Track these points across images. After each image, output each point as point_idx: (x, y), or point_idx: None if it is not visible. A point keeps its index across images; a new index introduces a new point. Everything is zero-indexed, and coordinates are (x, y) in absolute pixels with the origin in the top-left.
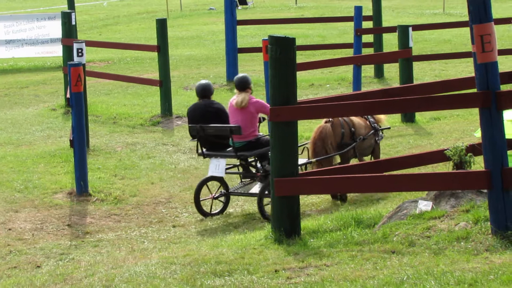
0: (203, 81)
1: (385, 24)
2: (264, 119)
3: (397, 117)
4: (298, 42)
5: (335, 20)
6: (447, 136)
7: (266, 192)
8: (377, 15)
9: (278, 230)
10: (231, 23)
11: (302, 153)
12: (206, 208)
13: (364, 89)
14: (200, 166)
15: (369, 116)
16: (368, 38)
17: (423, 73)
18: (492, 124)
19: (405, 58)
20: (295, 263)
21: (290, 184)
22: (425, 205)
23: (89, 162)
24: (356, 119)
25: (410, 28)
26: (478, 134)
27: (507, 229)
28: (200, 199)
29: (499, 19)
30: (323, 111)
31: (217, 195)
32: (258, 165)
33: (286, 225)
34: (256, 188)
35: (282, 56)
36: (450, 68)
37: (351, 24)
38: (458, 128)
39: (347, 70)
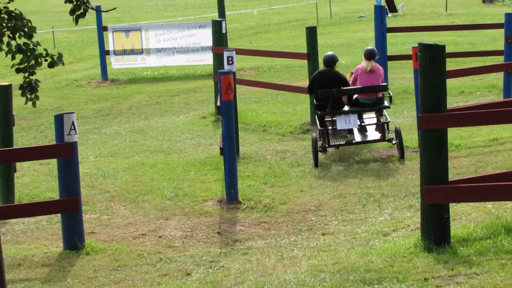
0: (330, 53)
1: None
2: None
3: None
4: (448, 50)
5: (485, 27)
6: None
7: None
8: None
9: (427, 238)
10: (381, 31)
11: None
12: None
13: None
14: (350, 174)
15: None
16: None
17: None
18: None
19: None
20: (445, 271)
21: (440, 192)
22: None
23: (239, 170)
24: None
25: None
26: None
27: None
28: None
29: None
30: (473, 119)
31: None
32: (374, 120)
33: (436, 233)
34: (358, 135)
35: (431, 64)
36: None
37: (501, 31)
38: None
39: (498, 78)
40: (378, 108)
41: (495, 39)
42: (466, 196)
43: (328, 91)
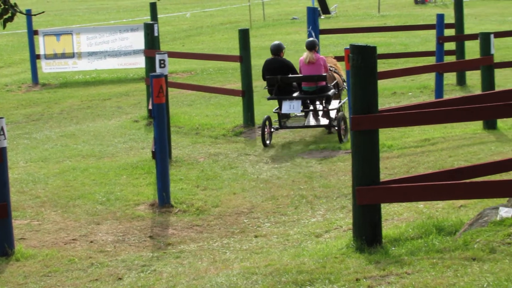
0: (276, 42)
1: (467, 31)
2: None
3: (478, 124)
4: (381, 51)
5: (417, 28)
6: None
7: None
8: (459, 23)
9: (359, 239)
10: (314, 32)
11: None
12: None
13: (446, 96)
14: (283, 176)
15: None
16: (450, 45)
17: (506, 80)
18: None
19: (487, 65)
20: (376, 271)
21: (372, 193)
22: (506, 212)
23: (171, 173)
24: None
25: (492, 35)
26: None
27: None
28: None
29: None
30: (404, 120)
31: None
32: (320, 106)
33: (368, 233)
34: (312, 120)
35: (363, 65)
36: None
37: (433, 32)
38: None
39: (430, 78)
40: (319, 96)
41: (427, 40)
42: (398, 197)
43: (273, 77)
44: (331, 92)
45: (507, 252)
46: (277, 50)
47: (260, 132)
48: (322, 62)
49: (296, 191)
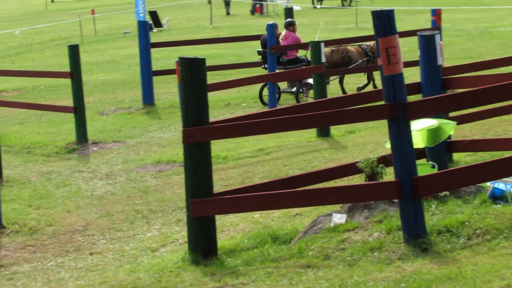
0: (270, 22)
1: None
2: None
3: (312, 132)
4: (214, 62)
5: (248, 39)
6: (362, 149)
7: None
8: None
9: (195, 251)
10: (145, 46)
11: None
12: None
13: (279, 106)
14: (117, 191)
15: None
16: None
17: (338, 88)
18: (400, 135)
19: (319, 73)
20: (212, 283)
21: (205, 205)
22: (339, 218)
23: (2, 194)
24: (351, 48)
25: (323, 44)
26: (389, 145)
27: (418, 237)
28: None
29: (405, 31)
30: (236, 130)
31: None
32: None
33: (203, 245)
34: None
35: (193, 77)
36: (365, 81)
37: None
38: (373, 140)
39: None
40: (289, 66)
41: None
42: (231, 208)
43: (261, 51)
44: (300, 64)
45: (341, 258)
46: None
47: None
48: (292, 39)
49: (132, 206)
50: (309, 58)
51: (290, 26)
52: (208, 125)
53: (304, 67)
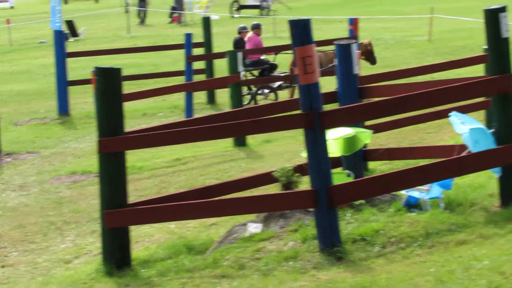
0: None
1: (216, 50)
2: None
3: (229, 141)
4: (131, 72)
5: (165, 48)
6: (279, 158)
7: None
8: (207, 42)
9: (109, 263)
10: (61, 56)
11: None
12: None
13: (196, 115)
14: (31, 203)
15: None
16: (201, 64)
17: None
18: (316, 144)
19: (235, 83)
20: None
21: (119, 216)
22: (255, 228)
23: None
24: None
25: (239, 54)
26: (305, 154)
27: (333, 246)
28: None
29: (322, 41)
30: (150, 141)
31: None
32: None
33: (117, 257)
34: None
35: (108, 87)
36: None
37: (183, 52)
38: (289, 150)
39: (180, 98)
40: (251, 68)
41: (178, 60)
42: (146, 218)
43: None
44: (264, 66)
45: (256, 268)
46: (240, 29)
47: None
48: (253, 43)
49: (45, 217)
50: (273, 61)
51: (255, 29)
52: (123, 135)
53: (266, 68)
